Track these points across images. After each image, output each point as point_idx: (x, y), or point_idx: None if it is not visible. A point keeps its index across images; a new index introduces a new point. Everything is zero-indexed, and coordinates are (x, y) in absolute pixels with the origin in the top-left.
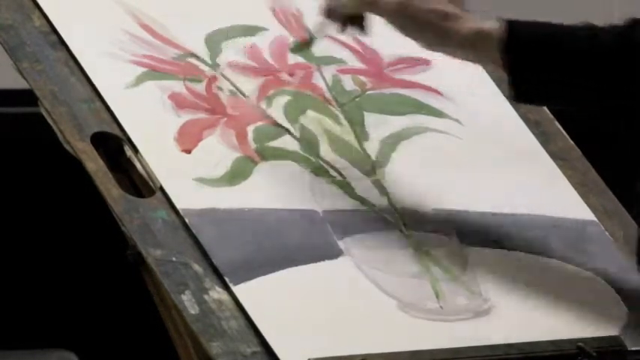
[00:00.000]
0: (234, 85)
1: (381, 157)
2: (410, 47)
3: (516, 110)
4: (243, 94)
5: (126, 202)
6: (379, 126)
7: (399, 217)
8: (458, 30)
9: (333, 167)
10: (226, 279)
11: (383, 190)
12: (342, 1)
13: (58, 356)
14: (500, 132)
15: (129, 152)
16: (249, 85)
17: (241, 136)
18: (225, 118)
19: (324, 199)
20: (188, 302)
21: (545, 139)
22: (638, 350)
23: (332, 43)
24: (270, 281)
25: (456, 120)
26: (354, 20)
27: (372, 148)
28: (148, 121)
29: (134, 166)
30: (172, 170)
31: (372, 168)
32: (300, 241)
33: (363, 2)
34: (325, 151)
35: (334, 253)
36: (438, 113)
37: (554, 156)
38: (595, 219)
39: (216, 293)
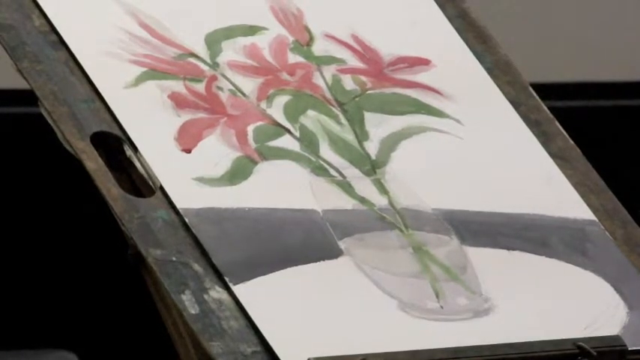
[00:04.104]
0: (234, 85)
1: (381, 156)
2: (410, 47)
3: (517, 110)
4: (243, 94)
5: (125, 202)
6: (379, 125)
7: (399, 216)
8: None
9: (333, 167)
10: (226, 279)
11: (383, 189)
12: None
13: (58, 356)
14: (500, 132)
15: (129, 152)
16: (249, 85)
17: (241, 136)
18: (225, 118)
19: (324, 199)
20: (188, 302)
21: (545, 139)
22: (639, 350)
23: (332, 43)
24: (270, 281)
25: (456, 120)
26: None
27: (372, 147)
28: (148, 121)
29: (134, 166)
30: (172, 170)
31: (372, 167)
32: (301, 240)
33: None
34: (325, 150)
35: (334, 253)
36: (438, 113)
37: (554, 156)
38: (595, 219)
39: (216, 293)
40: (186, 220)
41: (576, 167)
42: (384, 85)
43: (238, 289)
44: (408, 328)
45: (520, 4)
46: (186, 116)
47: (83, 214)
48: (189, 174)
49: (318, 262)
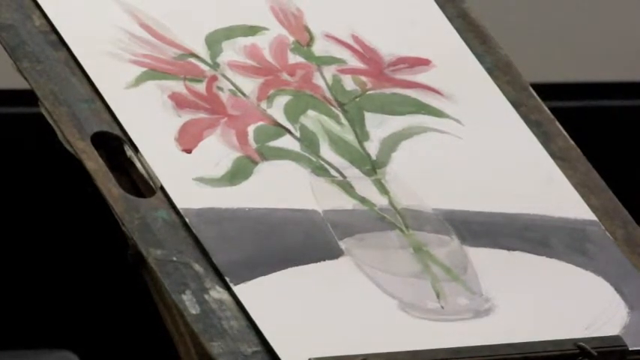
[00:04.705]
0: (235, 85)
1: (382, 156)
2: (410, 47)
3: (517, 110)
4: (244, 94)
5: (126, 202)
6: (380, 126)
7: (400, 216)
8: None
9: (333, 167)
10: (227, 279)
11: (383, 189)
12: None
13: (58, 356)
14: (500, 132)
15: (129, 152)
16: (250, 85)
17: (242, 136)
18: (226, 118)
19: (324, 199)
20: (189, 302)
21: (545, 139)
22: (639, 350)
23: (332, 43)
24: (271, 281)
25: (457, 120)
26: None
27: (373, 147)
28: (149, 121)
29: (134, 166)
30: (173, 170)
31: (372, 168)
32: (301, 241)
33: None
34: (326, 150)
35: (335, 253)
36: (438, 113)
37: (555, 156)
38: (595, 219)
39: (217, 293)
40: (187, 220)
41: (577, 167)
42: (384, 86)
43: (239, 289)
44: (409, 329)
45: (520, 4)
46: (187, 116)
47: (83, 214)
48: (190, 174)
49: (318, 263)
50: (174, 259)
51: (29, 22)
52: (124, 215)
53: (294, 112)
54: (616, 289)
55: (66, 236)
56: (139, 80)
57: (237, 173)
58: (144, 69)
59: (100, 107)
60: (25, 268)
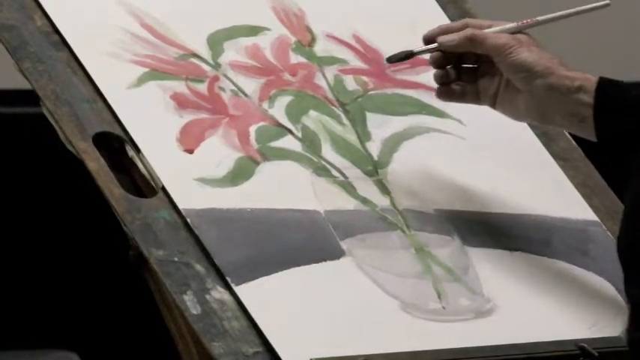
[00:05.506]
0: (236, 85)
1: (383, 157)
2: (411, 47)
3: None
4: (245, 94)
5: (128, 202)
6: (381, 126)
7: (401, 217)
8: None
9: (335, 167)
10: (228, 279)
11: (385, 190)
12: (447, 37)
13: (60, 356)
14: (502, 132)
15: (131, 152)
16: (251, 85)
17: (243, 136)
18: (227, 118)
19: (326, 200)
20: (190, 302)
21: (547, 139)
22: None
23: (334, 43)
24: (272, 281)
25: (458, 120)
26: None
27: (374, 148)
28: (150, 122)
29: (136, 166)
30: (174, 170)
31: (374, 168)
32: (302, 241)
33: (464, 39)
34: (327, 151)
35: (336, 254)
36: (439, 113)
37: (557, 156)
38: (597, 219)
39: (218, 293)
40: (188, 220)
41: (578, 168)
42: (386, 86)
43: (240, 290)
44: (410, 329)
45: (520, 4)
46: (189, 117)
47: (85, 214)
48: (191, 174)
49: (320, 263)
50: (176, 259)
51: (31, 23)
52: (126, 215)
53: (295, 112)
54: (617, 289)
55: (67, 236)
56: (141, 80)
57: (239, 173)
58: (146, 69)
59: (102, 107)
60: (25, 268)
